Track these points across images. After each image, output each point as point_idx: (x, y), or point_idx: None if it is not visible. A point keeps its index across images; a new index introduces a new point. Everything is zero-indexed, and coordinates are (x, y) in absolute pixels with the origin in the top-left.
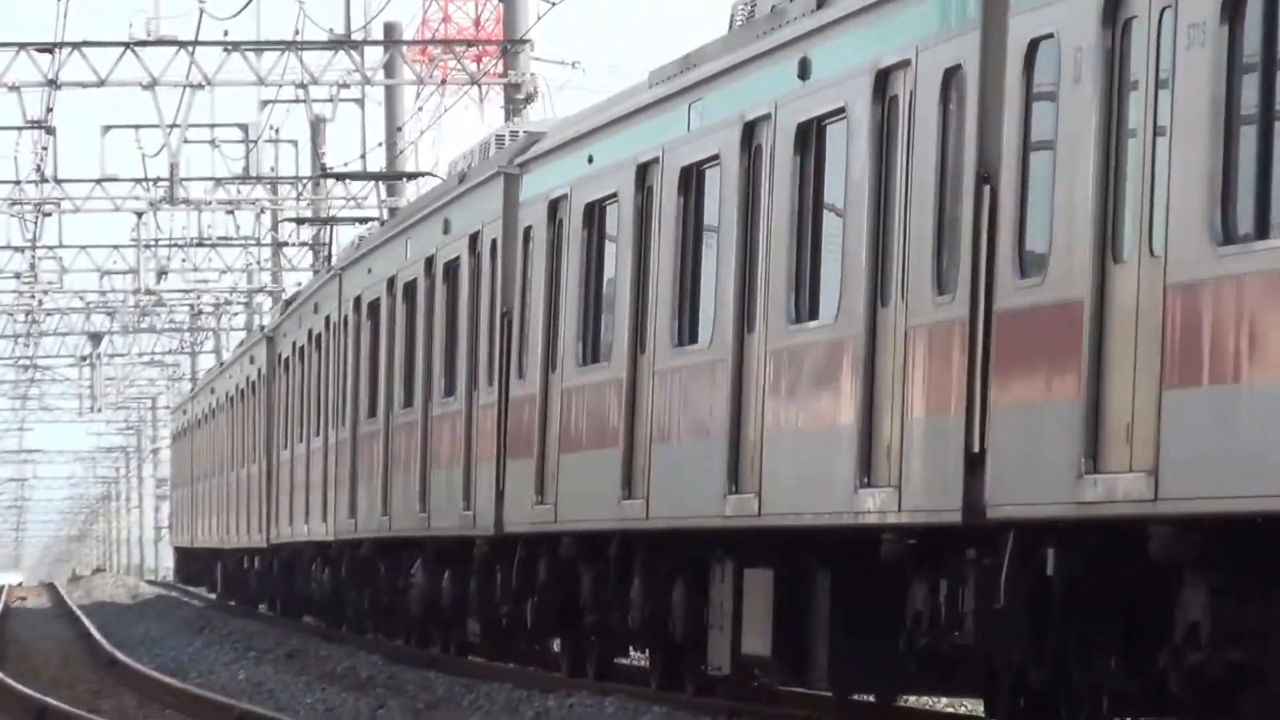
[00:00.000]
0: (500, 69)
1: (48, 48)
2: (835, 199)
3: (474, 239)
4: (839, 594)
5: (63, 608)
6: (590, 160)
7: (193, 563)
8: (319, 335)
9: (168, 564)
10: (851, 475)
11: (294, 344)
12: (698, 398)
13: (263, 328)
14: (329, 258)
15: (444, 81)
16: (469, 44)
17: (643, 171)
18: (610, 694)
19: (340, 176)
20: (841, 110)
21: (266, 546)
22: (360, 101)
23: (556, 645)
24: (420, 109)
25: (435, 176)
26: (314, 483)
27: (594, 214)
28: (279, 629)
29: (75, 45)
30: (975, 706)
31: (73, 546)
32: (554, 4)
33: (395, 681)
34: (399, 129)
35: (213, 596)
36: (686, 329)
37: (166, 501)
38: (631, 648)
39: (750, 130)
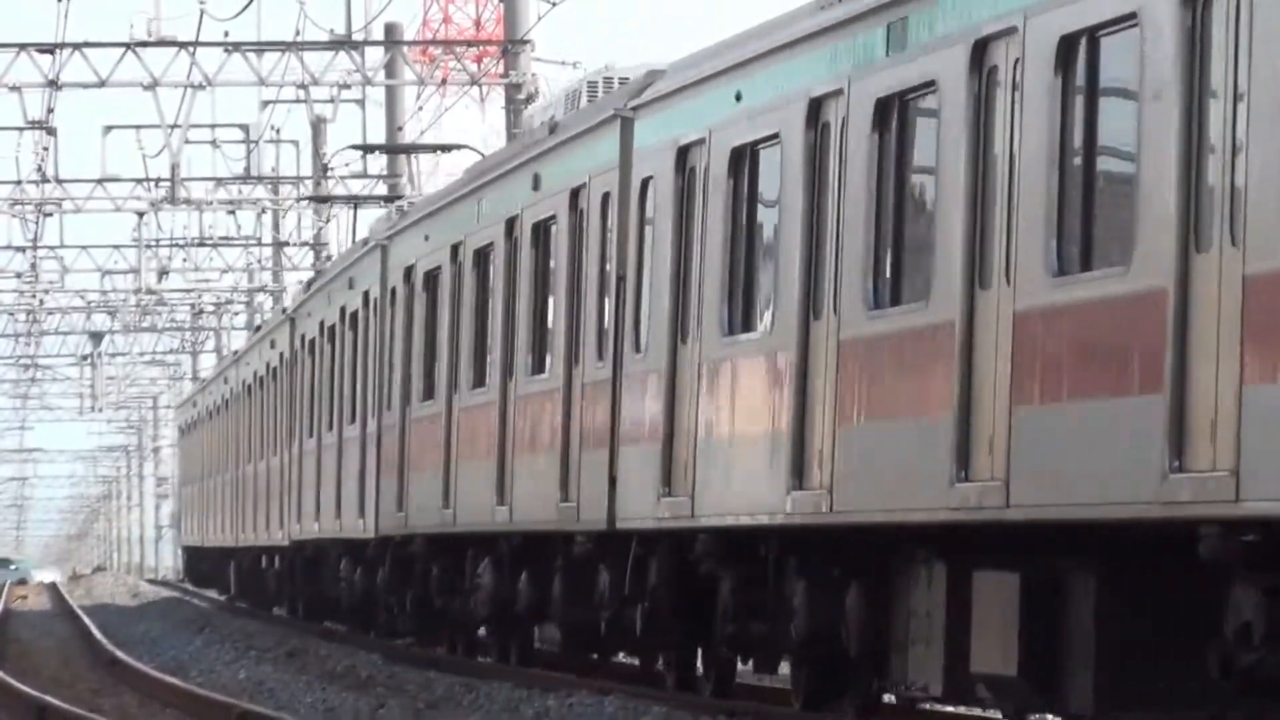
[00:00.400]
0: (501, 69)
1: (49, 48)
2: (1119, 125)
3: (575, 194)
4: (1111, 601)
5: (63, 606)
6: (739, 98)
7: (203, 563)
8: (355, 313)
9: (168, 563)
10: (1159, 457)
11: (322, 324)
12: (906, 368)
13: (284, 309)
14: (330, 257)
15: (444, 81)
16: (469, 44)
17: (817, 107)
18: (610, 693)
19: (369, 149)
20: (1129, 18)
21: (287, 545)
22: (361, 102)
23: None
24: (420, 108)
25: (473, 150)
26: (349, 474)
27: (743, 160)
28: (279, 628)
29: (76, 46)
30: None
31: (73, 545)
32: (554, 4)
33: (395, 681)
34: (399, 129)
35: (224, 598)
36: (887, 289)
37: (167, 500)
38: (779, 662)
39: (981, 49)
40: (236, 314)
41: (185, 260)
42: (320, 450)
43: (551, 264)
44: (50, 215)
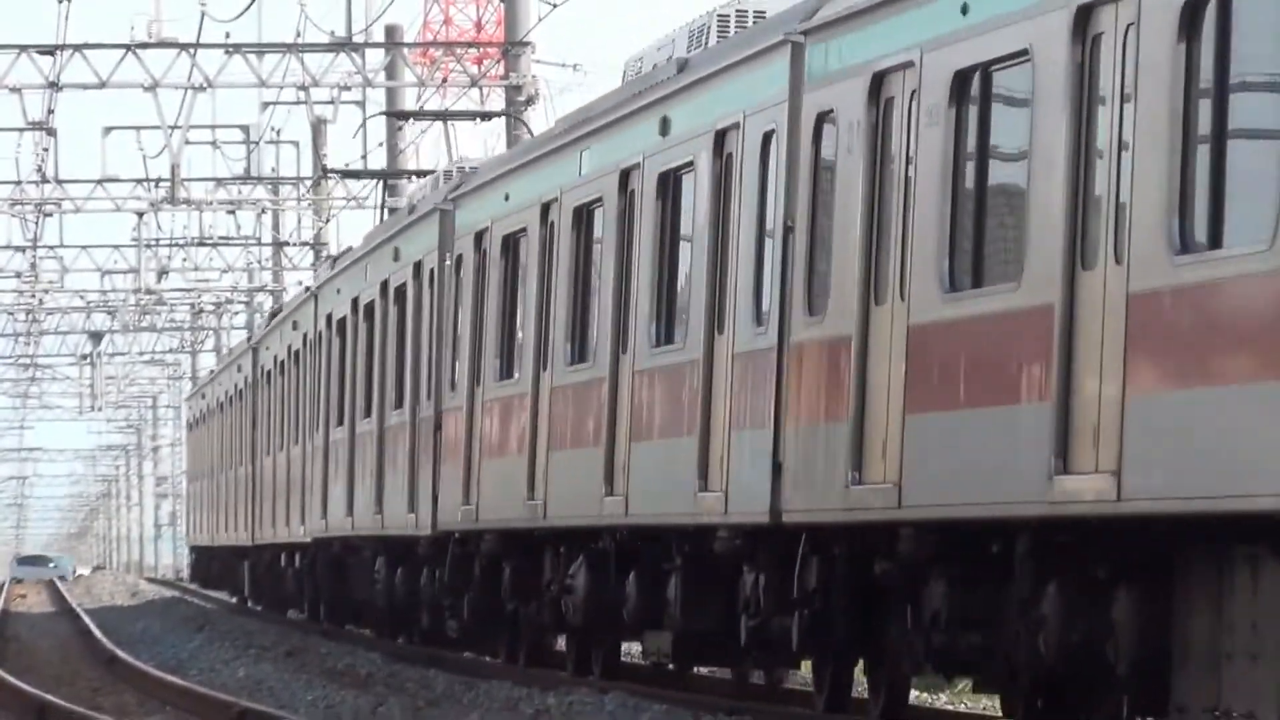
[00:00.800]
0: (501, 71)
1: (49, 50)
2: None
3: (722, 137)
4: None
5: (63, 605)
6: (965, 10)
7: (213, 563)
8: (402, 286)
9: (167, 561)
10: None
11: (356, 301)
12: (1239, 320)
13: (308, 287)
14: (329, 256)
15: (444, 82)
16: (470, 46)
17: (1085, 15)
18: (610, 691)
19: (401, 115)
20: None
21: (310, 542)
22: (361, 103)
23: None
24: (421, 108)
25: (515, 117)
26: (393, 465)
27: (970, 84)
28: (279, 626)
29: (77, 47)
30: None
31: (73, 544)
32: (555, 5)
33: (395, 679)
34: (399, 129)
35: (234, 600)
36: (1204, 230)
37: (167, 499)
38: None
39: None
40: (236, 314)
41: (185, 260)
42: (354, 439)
43: (685, 217)
44: (50, 215)
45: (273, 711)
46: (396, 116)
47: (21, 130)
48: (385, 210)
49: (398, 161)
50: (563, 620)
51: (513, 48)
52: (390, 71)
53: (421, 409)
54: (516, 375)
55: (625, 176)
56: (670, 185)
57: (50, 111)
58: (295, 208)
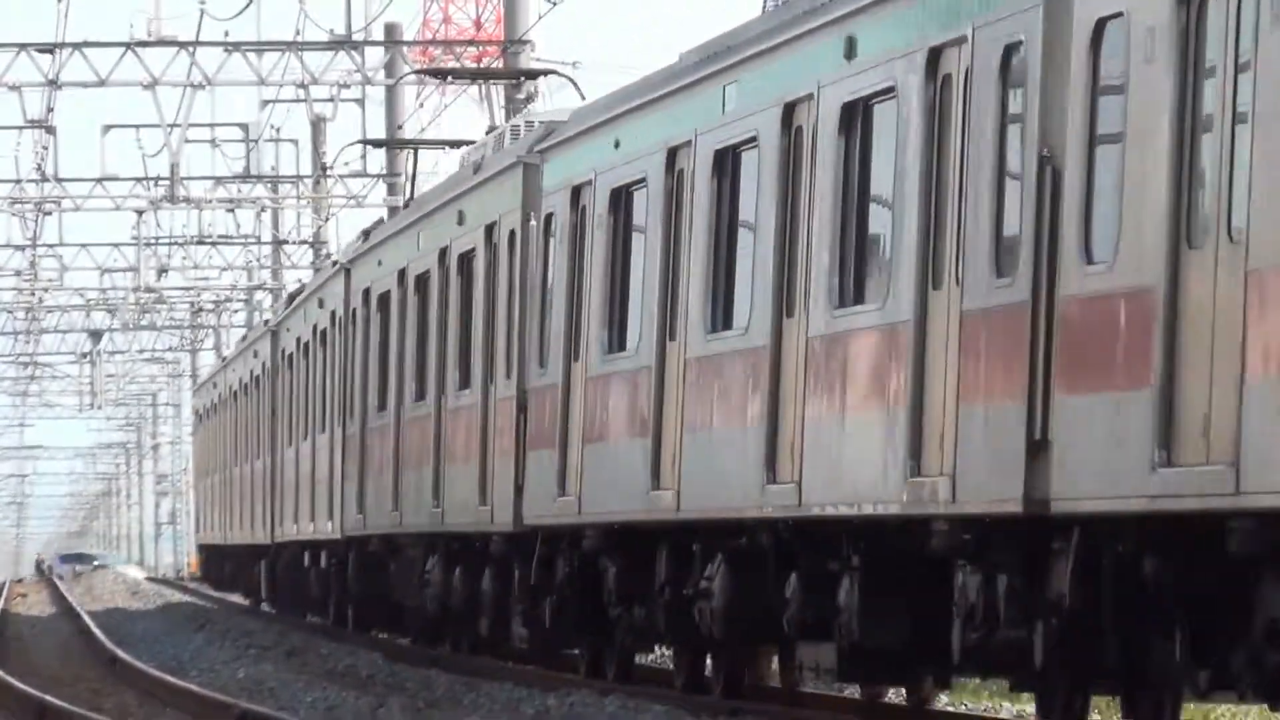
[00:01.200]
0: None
1: (48, 48)
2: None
3: (934, 56)
4: None
5: (64, 605)
6: None
7: (225, 563)
8: (467, 253)
9: (168, 559)
10: None
11: (402, 273)
12: None
13: (334, 263)
14: (329, 255)
15: (445, 79)
16: (469, 44)
17: None
18: (610, 693)
19: (435, 74)
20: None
21: (339, 540)
22: (361, 101)
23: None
24: (421, 105)
25: (563, 75)
26: (458, 453)
27: None
28: (279, 626)
29: (76, 45)
30: None
31: (73, 543)
32: (554, 4)
33: (396, 679)
34: (399, 127)
35: (248, 602)
36: None
37: (167, 498)
38: None
39: None
40: (236, 312)
41: (184, 259)
42: (400, 425)
43: (880, 153)
44: (50, 214)
45: (273, 713)
46: (431, 75)
47: (21, 128)
48: (414, 191)
49: (395, 164)
50: (691, 629)
51: (512, 45)
52: (390, 70)
53: (498, 389)
54: (633, 347)
55: (789, 111)
56: (858, 116)
57: (50, 109)
58: (295, 206)
